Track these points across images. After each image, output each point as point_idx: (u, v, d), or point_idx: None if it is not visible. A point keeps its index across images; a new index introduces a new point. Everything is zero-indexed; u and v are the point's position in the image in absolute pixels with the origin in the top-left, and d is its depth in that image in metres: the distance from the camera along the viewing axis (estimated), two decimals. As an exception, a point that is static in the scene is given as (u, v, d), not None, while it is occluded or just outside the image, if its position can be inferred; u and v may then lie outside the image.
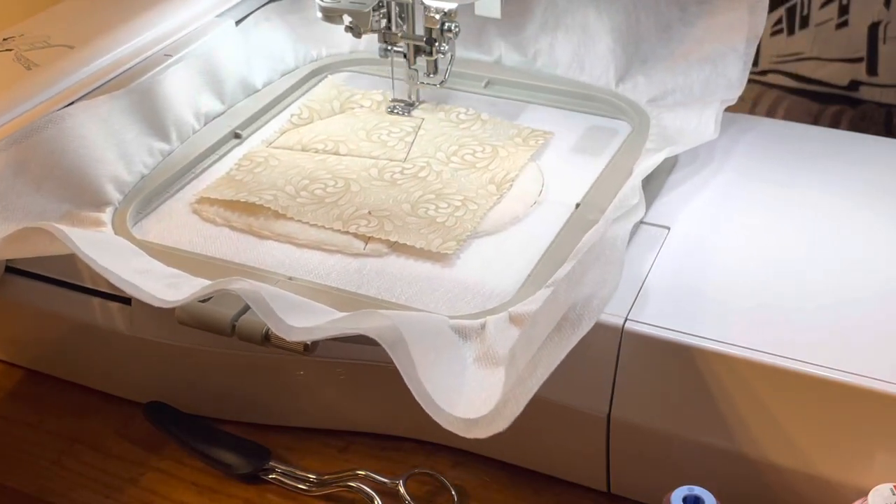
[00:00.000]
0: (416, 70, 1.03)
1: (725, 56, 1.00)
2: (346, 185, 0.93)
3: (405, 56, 1.02)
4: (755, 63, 1.22)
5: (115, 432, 0.87)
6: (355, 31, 0.99)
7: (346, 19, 0.98)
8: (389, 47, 1.02)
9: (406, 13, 1.00)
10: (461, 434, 0.67)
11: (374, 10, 0.98)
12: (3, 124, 0.88)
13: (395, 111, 1.04)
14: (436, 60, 1.01)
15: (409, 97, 1.05)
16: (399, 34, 1.00)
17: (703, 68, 1.00)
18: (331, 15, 0.98)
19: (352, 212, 0.89)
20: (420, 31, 1.00)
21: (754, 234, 0.85)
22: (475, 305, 0.79)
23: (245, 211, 0.90)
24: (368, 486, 0.80)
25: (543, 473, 0.82)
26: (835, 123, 1.24)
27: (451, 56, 1.01)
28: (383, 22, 0.99)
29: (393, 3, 0.99)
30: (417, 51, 1.01)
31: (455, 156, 0.97)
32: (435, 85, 1.03)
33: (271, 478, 0.82)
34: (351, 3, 0.98)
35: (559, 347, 0.67)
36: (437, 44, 0.99)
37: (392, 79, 1.04)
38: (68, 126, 0.87)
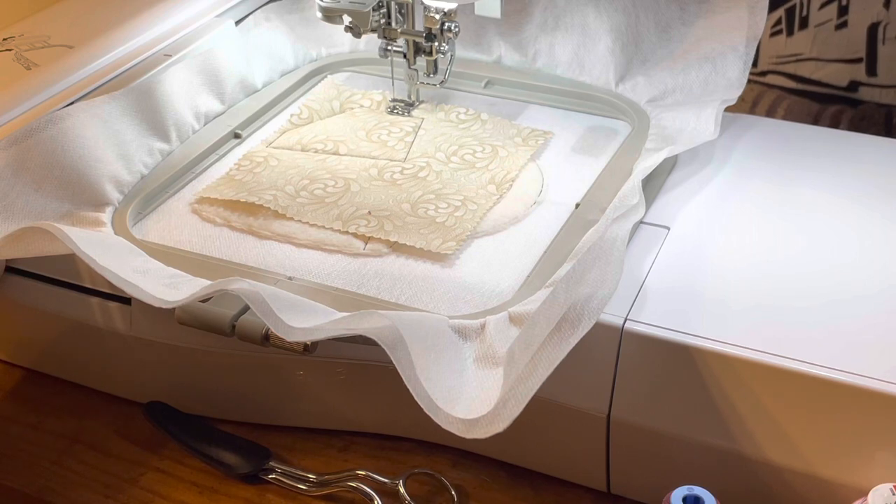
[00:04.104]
0: (415, 70, 1.03)
1: (725, 56, 1.00)
2: (346, 185, 0.93)
3: (405, 56, 1.02)
4: (755, 63, 1.22)
5: (115, 432, 0.87)
6: (355, 31, 0.99)
7: (346, 19, 0.98)
8: (389, 46, 1.02)
9: (406, 13, 1.00)
10: (461, 434, 0.67)
11: (373, 10, 0.98)
12: (3, 124, 0.88)
13: (395, 111, 1.04)
14: (435, 60, 1.01)
15: (409, 97, 1.05)
16: (399, 30, 1.00)
17: (702, 68, 1.00)
18: (331, 15, 0.98)
19: (352, 212, 0.89)
20: (420, 28, 1.00)
21: (754, 234, 0.85)
22: (475, 305, 0.79)
23: (245, 211, 0.90)
24: (368, 486, 0.80)
25: (543, 473, 0.82)
26: (835, 123, 1.24)
27: (452, 56, 1.01)
28: (383, 21, 0.99)
29: (393, 3, 0.99)
30: (417, 51, 1.01)
31: (455, 156, 0.97)
32: (435, 85, 1.03)
33: (271, 478, 0.82)
34: (351, 2, 0.98)
35: (559, 347, 0.67)
36: (436, 44, 0.99)
37: (392, 79, 1.04)
38: (68, 126, 0.87)
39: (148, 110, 0.95)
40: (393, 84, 1.04)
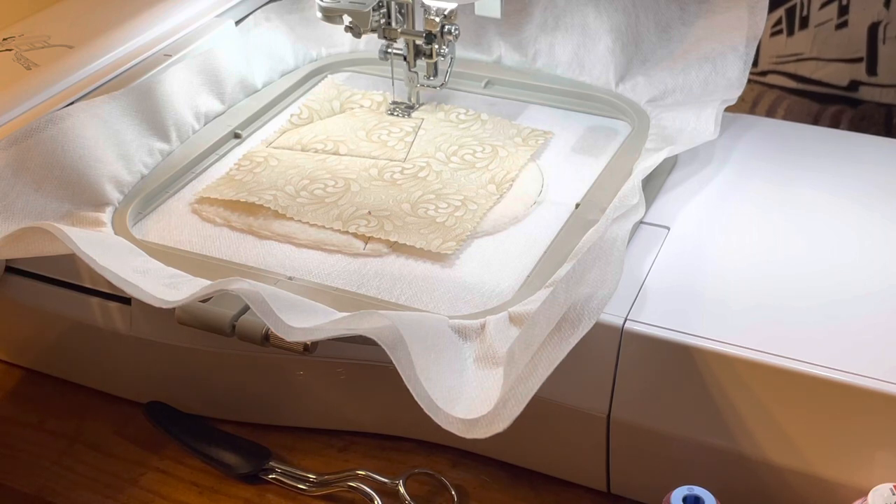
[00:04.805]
0: (416, 72, 1.03)
1: (725, 56, 1.00)
2: (346, 185, 0.93)
3: (405, 58, 1.02)
4: (755, 63, 1.22)
5: (115, 432, 0.87)
6: (355, 31, 0.99)
7: (346, 19, 0.98)
8: (389, 48, 1.01)
9: (406, 13, 1.00)
10: (461, 434, 0.67)
11: (373, 10, 0.98)
12: (3, 124, 0.88)
13: (395, 113, 1.03)
14: (435, 63, 1.01)
15: (410, 99, 1.05)
16: (399, 30, 1.00)
17: (702, 68, 1.00)
18: (331, 15, 0.98)
19: (352, 212, 0.89)
20: (419, 28, 1.00)
21: (754, 234, 0.85)
22: (475, 305, 0.79)
23: (245, 211, 0.90)
24: (368, 486, 0.80)
25: (543, 473, 0.82)
26: (835, 123, 1.24)
27: (452, 59, 1.01)
28: (383, 21, 0.99)
29: (393, 3, 0.99)
30: (417, 53, 1.01)
31: (455, 156, 0.97)
32: (435, 87, 1.03)
33: (271, 478, 0.82)
34: (351, 2, 0.98)
35: (559, 347, 0.67)
36: (436, 46, 0.99)
37: (392, 79, 1.04)
38: (68, 126, 0.87)
39: (148, 110, 0.95)
40: (393, 84, 1.04)
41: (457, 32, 0.99)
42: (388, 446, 0.85)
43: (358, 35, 1.00)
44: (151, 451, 0.85)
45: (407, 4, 0.99)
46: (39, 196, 0.86)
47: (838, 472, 0.72)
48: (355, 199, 0.91)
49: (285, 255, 0.85)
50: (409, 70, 1.03)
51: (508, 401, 0.66)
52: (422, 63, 1.02)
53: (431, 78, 1.02)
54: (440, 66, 1.02)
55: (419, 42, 1.00)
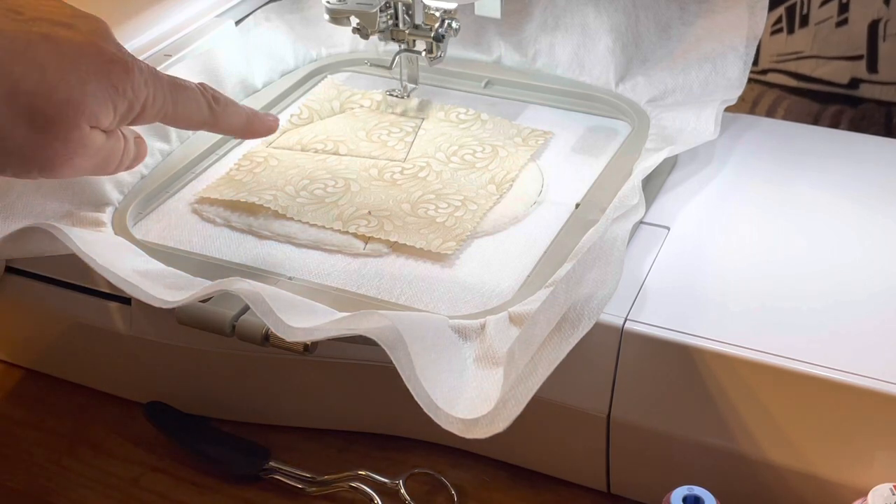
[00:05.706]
0: (417, 53, 1.02)
1: (725, 56, 1.00)
2: (346, 185, 0.93)
3: (408, 48, 1.01)
4: (755, 62, 1.22)
5: (115, 432, 0.87)
6: (363, 32, 0.98)
7: (354, 21, 0.98)
8: (400, 45, 1.01)
9: (412, 14, 0.99)
10: (461, 434, 0.67)
11: (380, 10, 0.97)
12: (3, 124, 0.87)
13: (395, 94, 1.03)
14: (437, 56, 1.01)
15: (407, 84, 1.04)
16: (406, 31, 1.00)
17: (702, 68, 1.00)
18: (338, 17, 0.98)
19: (352, 212, 0.89)
20: (419, 22, 1.00)
21: (754, 233, 0.85)
22: (475, 305, 0.79)
23: (245, 211, 0.90)
24: (368, 486, 0.80)
25: (543, 473, 0.82)
26: (835, 123, 1.24)
27: (451, 35, 1.00)
28: (391, 22, 0.99)
29: (400, 4, 0.99)
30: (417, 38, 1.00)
31: (455, 156, 0.97)
32: (435, 57, 1.01)
33: (271, 478, 0.82)
34: (358, 3, 0.97)
35: (559, 347, 0.68)
36: (437, 44, 0.99)
37: (400, 80, 1.04)
38: (68, 126, 0.87)
39: (148, 110, 0.94)
40: (402, 82, 1.04)
41: (457, 26, 0.98)
42: (388, 446, 0.85)
43: (365, 36, 0.99)
44: (151, 451, 0.85)
45: (409, 4, 0.99)
46: (39, 196, 0.86)
47: (838, 472, 0.72)
48: (355, 199, 0.91)
49: (285, 255, 0.85)
50: (411, 51, 1.02)
51: (508, 401, 0.66)
52: (421, 43, 1.01)
53: (427, 55, 1.01)
54: (436, 51, 1.01)
55: (427, 40, 0.99)
